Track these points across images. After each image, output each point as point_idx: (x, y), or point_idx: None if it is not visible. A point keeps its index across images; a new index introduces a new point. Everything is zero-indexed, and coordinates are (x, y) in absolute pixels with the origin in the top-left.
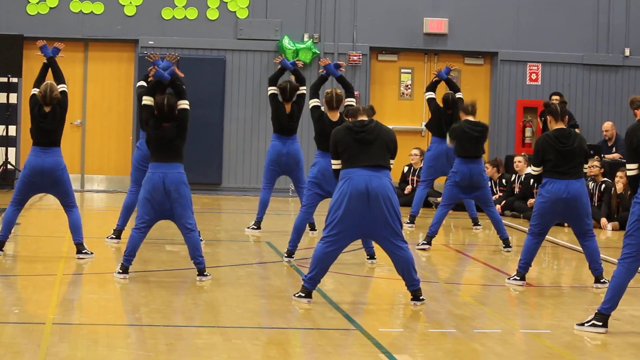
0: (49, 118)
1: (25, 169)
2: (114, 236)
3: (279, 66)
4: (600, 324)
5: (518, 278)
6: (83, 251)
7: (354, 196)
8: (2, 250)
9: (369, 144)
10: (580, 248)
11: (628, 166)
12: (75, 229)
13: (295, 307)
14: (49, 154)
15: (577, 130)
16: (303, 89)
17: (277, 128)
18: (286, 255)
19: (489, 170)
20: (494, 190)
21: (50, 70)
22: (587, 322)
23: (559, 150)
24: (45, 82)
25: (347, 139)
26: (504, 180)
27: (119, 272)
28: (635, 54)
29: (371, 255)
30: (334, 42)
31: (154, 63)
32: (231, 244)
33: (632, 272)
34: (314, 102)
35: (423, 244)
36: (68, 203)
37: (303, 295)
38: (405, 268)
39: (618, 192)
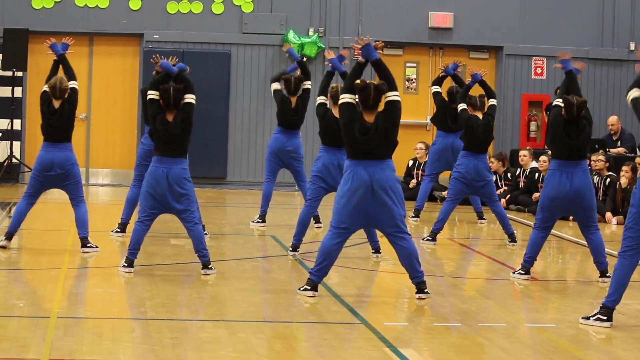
0: (58, 114)
1: (36, 164)
2: (119, 230)
3: (287, 54)
4: (605, 317)
5: (523, 272)
6: (88, 245)
7: (358, 188)
8: (10, 241)
9: (372, 141)
10: (585, 242)
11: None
12: (82, 224)
13: (300, 301)
14: (60, 148)
15: None
16: (308, 84)
17: (281, 122)
18: (291, 249)
19: (495, 164)
20: (499, 184)
21: (61, 67)
22: (592, 316)
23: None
24: (56, 76)
25: (352, 140)
26: (509, 174)
27: (124, 266)
28: None
29: (376, 250)
30: (339, 36)
31: (162, 65)
32: (236, 237)
33: (633, 265)
34: (320, 100)
35: (428, 239)
36: (77, 198)
37: (309, 288)
38: (408, 260)
39: (623, 187)
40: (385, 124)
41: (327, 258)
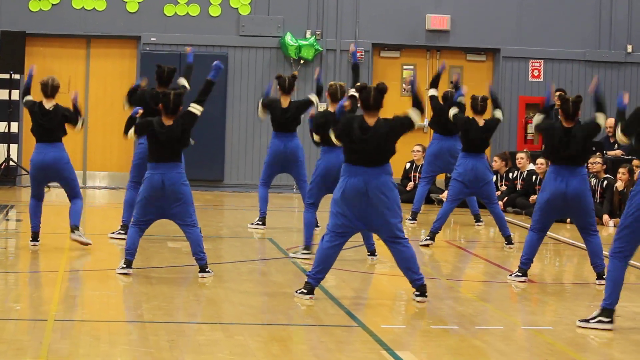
0: (51, 115)
1: (31, 167)
2: (122, 231)
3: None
4: (608, 319)
5: (520, 274)
6: (76, 232)
7: (353, 194)
8: (38, 241)
9: (369, 144)
10: (582, 244)
11: (622, 135)
12: (75, 213)
13: (297, 304)
14: (51, 148)
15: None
16: (312, 97)
17: (274, 126)
18: (304, 249)
19: (497, 163)
20: (499, 184)
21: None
22: (592, 318)
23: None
24: (48, 76)
25: (350, 142)
26: (510, 175)
27: (122, 267)
28: (638, 51)
29: (372, 252)
30: (336, 39)
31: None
32: (233, 240)
33: (625, 265)
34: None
35: (426, 239)
36: (72, 194)
37: (305, 291)
38: (405, 265)
39: (619, 190)
40: (385, 129)
41: (325, 261)
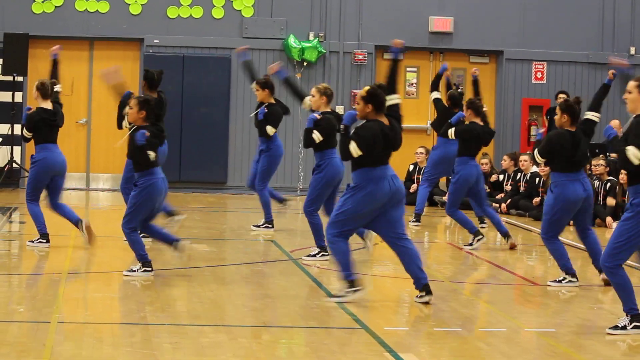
0: (59, 114)
1: (45, 166)
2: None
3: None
4: None
5: (572, 278)
6: (83, 221)
7: (380, 197)
8: (49, 242)
9: (398, 143)
10: (584, 245)
11: (634, 151)
12: (71, 212)
13: (300, 306)
14: (58, 148)
15: None
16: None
17: (275, 127)
18: (322, 251)
19: (506, 162)
20: (504, 185)
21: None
22: (628, 324)
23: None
24: (42, 78)
25: (385, 148)
26: (517, 175)
27: (146, 270)
28: None
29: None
30: (339, 41)
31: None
32: (237, 242)
33: (623, 270)
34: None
35: (477, 240)
36: (60, 195)
37: (354, 289)
38: (413, 261)
39: (611, 203)
40: (399, 126)
41: (347, 256)
